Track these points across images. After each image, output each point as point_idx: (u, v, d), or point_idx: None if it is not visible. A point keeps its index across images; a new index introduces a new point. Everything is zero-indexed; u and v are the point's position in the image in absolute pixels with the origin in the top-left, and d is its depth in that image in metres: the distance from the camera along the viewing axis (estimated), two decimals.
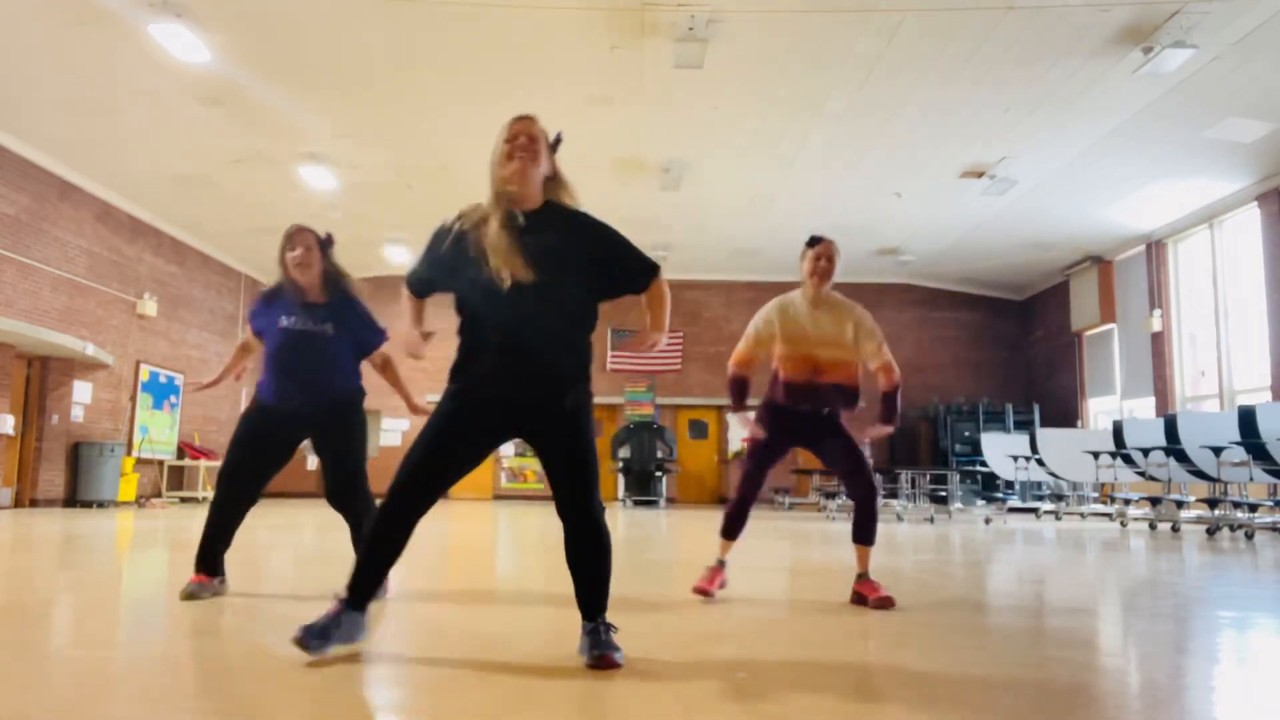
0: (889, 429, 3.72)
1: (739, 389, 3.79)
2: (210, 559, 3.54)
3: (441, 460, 2.47)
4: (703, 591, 3.69)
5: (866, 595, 3.57)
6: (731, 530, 3.82)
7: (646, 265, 2.63)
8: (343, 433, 3.62)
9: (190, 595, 3.41)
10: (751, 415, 3.80)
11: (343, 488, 3.59)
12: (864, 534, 3.70)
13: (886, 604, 3.49)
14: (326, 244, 3.69)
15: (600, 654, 2.34)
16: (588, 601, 2.49)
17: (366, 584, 2.47)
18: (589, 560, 2.50)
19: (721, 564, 3.82)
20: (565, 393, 2.49)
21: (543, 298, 2.44)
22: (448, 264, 2.54)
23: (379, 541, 2.47)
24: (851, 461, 3.70)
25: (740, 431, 3.72)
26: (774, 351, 3.76)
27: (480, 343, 2.50)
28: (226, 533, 3.57)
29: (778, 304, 3.82)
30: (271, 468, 3.60)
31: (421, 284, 2.66)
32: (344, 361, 3.64)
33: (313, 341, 3.54)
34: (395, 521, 2.45)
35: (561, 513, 2.50)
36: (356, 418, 3.67)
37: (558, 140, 2.67)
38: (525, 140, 2.52)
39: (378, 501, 3.67)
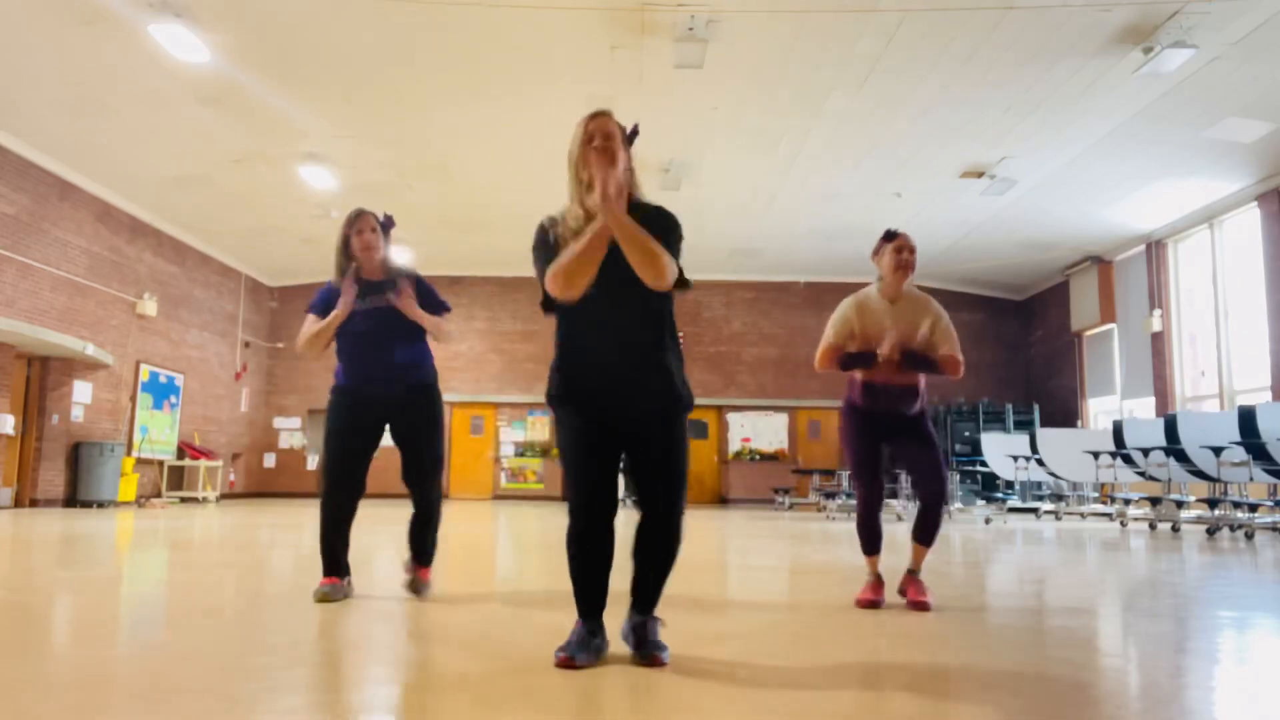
0: (899, 360, 3.54)
1: (847, 360, 3.64)
2: (333, 560, 3.54)
3: (594, 472, 2.46)
4: (868, 602, 3.58)
5: (908, 594, 3.58)
6: (871, 546, 3.72)
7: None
8: (425, 414, 3.64)
9: (323, 598, 3.42)
10: (871, 346, 3.62)
11: (424, 468, 3.61)
12: (925, 535, 3.69)
13: (921, 607, 3.47)
14: (387, 225, 3.71)
15: (651, 653, 2.38)
16: (645, 595, 2.50)
17: (587, 598, 2.46)
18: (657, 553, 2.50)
19: (878, 579, 3.71)
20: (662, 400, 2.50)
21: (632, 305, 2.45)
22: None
23: (578, 560, 2.47)
24: (929, 468, 3.64)
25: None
26: (851, 349, 3.66)
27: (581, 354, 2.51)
28: (341, 529, 3.57)
29: (854, 302, 3.71)
30: (367, 453, 3.60)
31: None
32: (416, 334, 3.64)
33: (385, 316, 3.54)
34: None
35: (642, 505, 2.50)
36: (435, 397, 3.70)
37: (634, 133, 2.60)
38: (602, 140, 2.47)
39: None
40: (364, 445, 3.58)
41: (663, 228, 2.48)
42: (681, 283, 2.49)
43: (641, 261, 2.36)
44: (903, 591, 3.64)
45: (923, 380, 3.70)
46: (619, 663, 2.40)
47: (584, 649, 2.36)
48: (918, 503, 3.72)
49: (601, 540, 2.44)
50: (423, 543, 3.66)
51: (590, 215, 2.42)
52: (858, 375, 3.67)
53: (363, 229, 3.60)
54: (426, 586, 3.65)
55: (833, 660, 2.52)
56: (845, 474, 12.97)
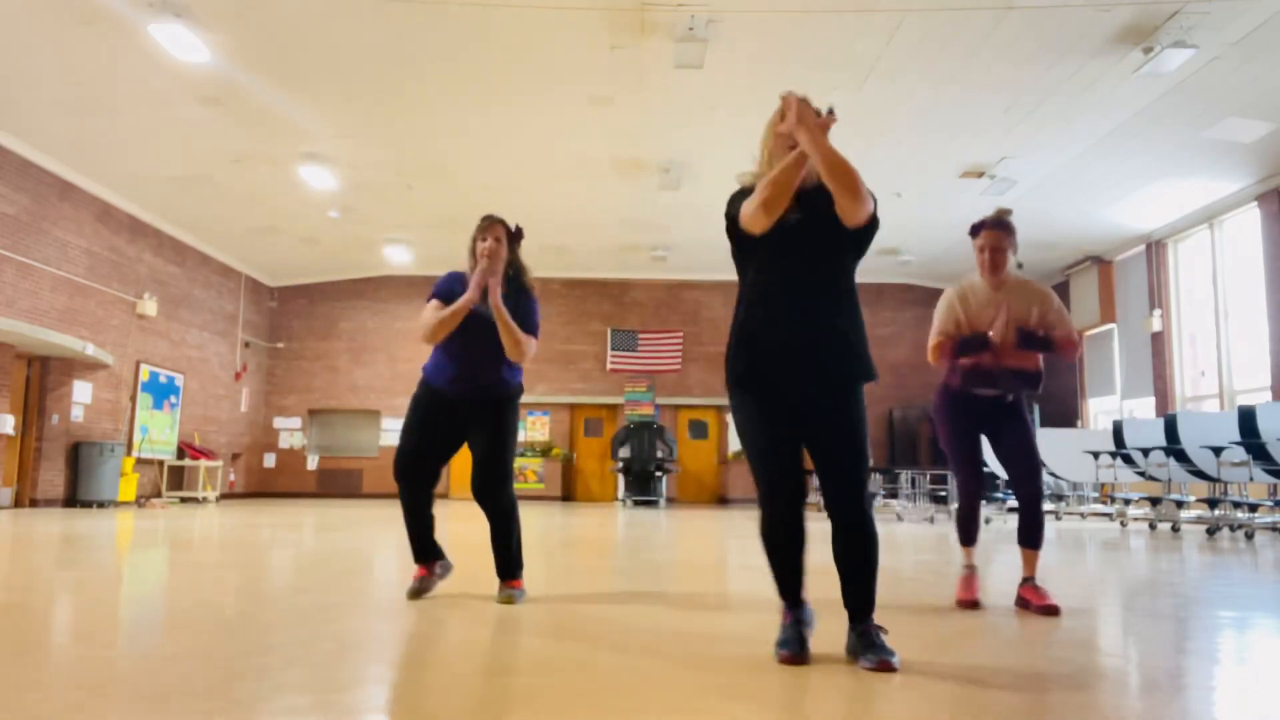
0: (1015, 336, 3.47)
1: (963, 346, 3.57)
2: (422, 549, 3.63)
3: (774, 456, 2.50)
4: (969, 602, 3.52)
5: (1030, 601, 3.44)
6: (968, 536, 3.64)
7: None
8: (500, 426, 3.63)
9: (415, 593, 3.54)
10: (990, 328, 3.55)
11: (491, 482, 3.61)
12: (1030, 537, 3.53)
13: (1050, 611, 3.35)
14: (516, 236, 3.71)
15: (878, 659, 2.35)
16: (856, 603, 2.50)
17: (788, 584, 2.56)
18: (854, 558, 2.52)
19: (972, 568, 3.63)
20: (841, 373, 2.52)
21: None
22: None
23: (774, 549, 2.56)
24: (1026, 460, 3.53)
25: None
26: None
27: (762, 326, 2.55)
28: (422, 519, 3.63)
29: (957, 291, 3.66)
30: (444, 449, 3.64)
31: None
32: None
33: (491, 327, 3.53)
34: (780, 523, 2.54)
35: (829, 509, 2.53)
36: (513, 414, 3.70)
37: (829, 113, 2.57)
38: (803, 107, 2.50)
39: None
40: (436, 442, 3.62)
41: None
42: (874, 220, 2.54)
43: (843, 186, 2.38)
44: (1024, 603, 3.47)
45: (1040, 361, 3.59)
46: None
47: (801, 643, 2.44)
48: (1017, 504, 3.57)
49: (792, 527, 2.51)
50: (506, 553, 3.65)
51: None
52: (964, 360, 3.56)
53: (487, 236, 3.62)
54: (518, 594, 3.60)
55: (832, 660, 2.52)
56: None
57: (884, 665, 2.32)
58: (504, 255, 3.63)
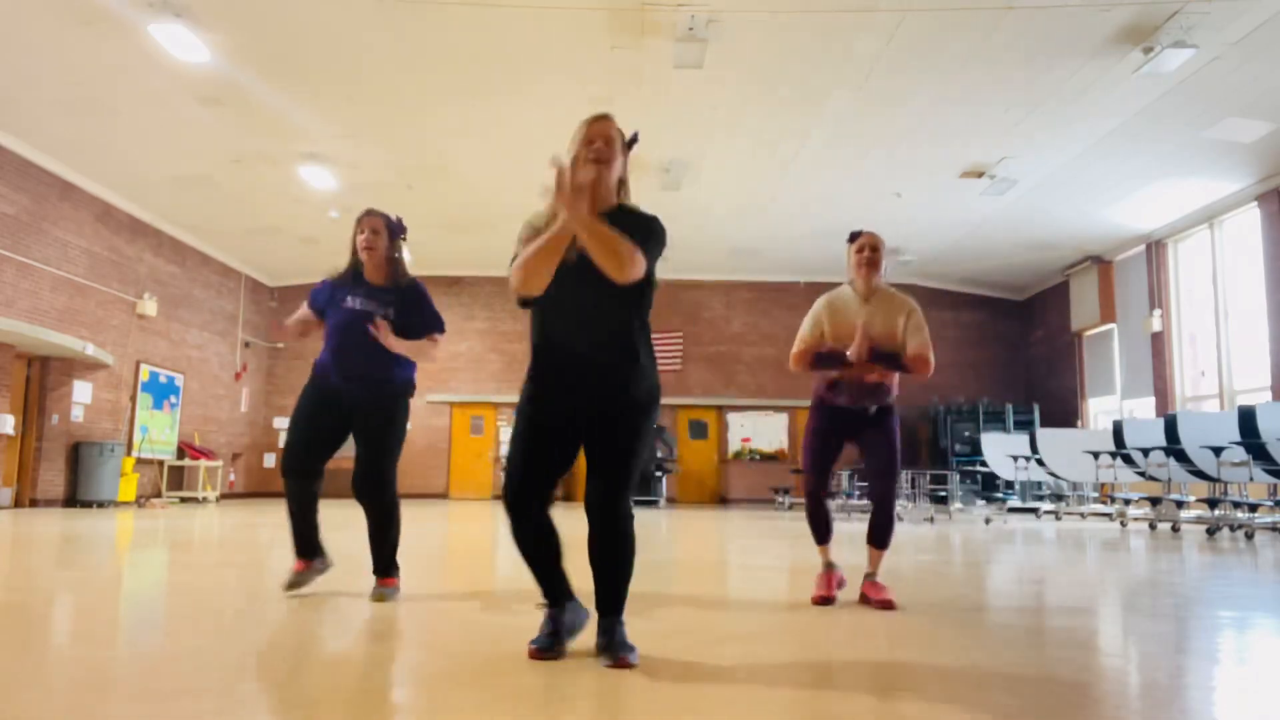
0: (868, 362, 3.54)
1: (819, 360, 3.68)
2: (303, 544, 3.60)
3: (538, 457, 2.51)
4: (823, 599, 3.61)
5: (870, 596, 3.59)
6: (821, 534, 3.75)
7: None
8: (385, 421, 3.62)
9: (292, 584, 3.53)
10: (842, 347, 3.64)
11: (372, 479, 3.59)
12: (877, 537, 3.68)
13: (886, 605, 3.49)
14: (396, 230, 3.72)
15: (617, 654, 2.38)
16: (603, 598, 2.52)
17: (548, 583, 2.54)
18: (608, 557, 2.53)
19: (830, 566, 3.74)
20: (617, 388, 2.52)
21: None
22: None
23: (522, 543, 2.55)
24: (885, 463, 3.65)
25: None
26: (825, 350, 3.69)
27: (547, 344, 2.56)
28: (306, 512, 3.60)
29: (825, 301, 3.77)
30: (330, 442, 3.62)
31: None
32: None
33: (374, 322, 3.54)
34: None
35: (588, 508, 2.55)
36: (401, 410, 3.68)
37: (633, 140, 2.66)
38: (602, 144, 2.52)
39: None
40: (326, 435, 3.59)
41: (641, 229, 2.50)
42: (649, 282, 2.52)
43: (601, 253, 2.34)
44: (865, 598, 3.63)
45: (895, 378, 3.70)
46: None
47: (552, 639, 2.45)
48: (870, 506, 3.73)
49: (537, 530, 2.51)
50: (382, 551, 3.63)
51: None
52: (829, 372, 3.70)
53: (364, 228, 3.63)
54: (391, 593, 3.59)
55: (832, 660, 2.52)
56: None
57: (622, 662, 2.36)
58: (383, 246, 3.64)
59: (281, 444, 17.55)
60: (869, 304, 3.68)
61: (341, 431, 3.63)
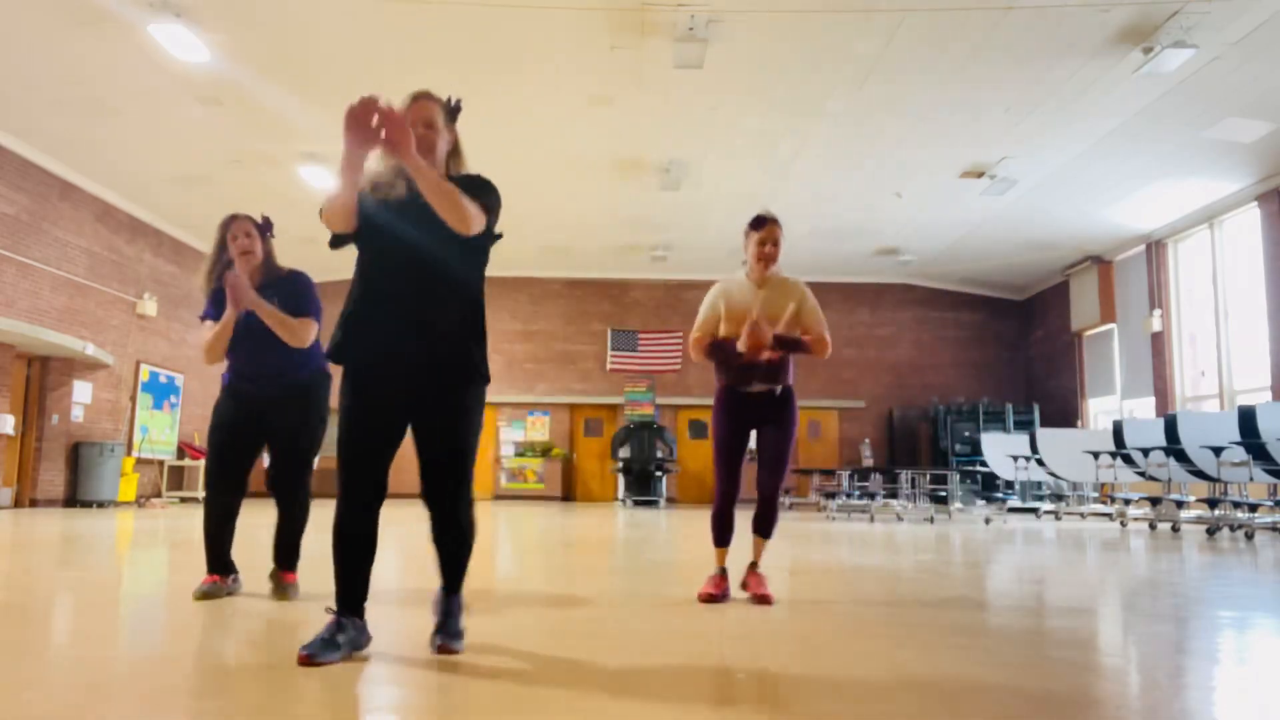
0: (769, 350, 3.58)
1: (717, 350, 3.73)
2: (215, 558, 3.55)
3: (367, 444, 2.47)
4: (710, 596, 3.65)
5: (749, 587, 3.67)
6: (721, 537, 3.77)
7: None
8: (297, 416, 3.60)
9: (203, 595, 3.44)
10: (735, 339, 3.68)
11: (286, 474, 3.58)
12: (762, 526, 3.77)
13: (763, 600, 3.55)
14: (265, 229, 3.71)
15: (443, 641, 2.43)
16: (446, 574, 2.56)
17: (351, 588, 2.47)
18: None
19: (723, 571, 3.78)
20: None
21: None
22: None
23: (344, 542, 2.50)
24: (777, 456, 3.71)
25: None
26: (719, 333, 3.74)
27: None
28: (221, 528, 3.56)
29: (720, 288, 3.83)
30: (248, 453, 3.59)
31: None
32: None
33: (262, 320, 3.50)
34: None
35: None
36: (313, 404, 3.65)
37: (456, 107, 2.61)
38: (423, 129, 2.49)
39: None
40: (242, 443, 3.57)
41: (475, 185, 2.49)
42: (490, 234, 2.50)
43: (440, 203, 2.31)
44: (745, 585, 3.69)
45: (790, 359, 3.75)
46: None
47: (329, 647, 2.34)
48: (757, 495, 3.75)
49: (367, 528, 2.47)
50: (290, 544, 3.62)
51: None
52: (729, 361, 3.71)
53: (237, 234, 3.60)
54: (293, 589, 3.58)
55: (832, 660, 2.52)
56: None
57: (445, 649, 2.39)
58: (257, 250, 3.61)
59: None
60: (763, 289, 3.74)
61: (259, 436, 3.61)
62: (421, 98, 2.50)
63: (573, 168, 11.79)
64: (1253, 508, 9.31)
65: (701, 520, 10.93)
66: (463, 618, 2.56)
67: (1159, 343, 13.61)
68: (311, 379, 3.66)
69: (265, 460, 3.65)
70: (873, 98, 9.59)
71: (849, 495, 12.56)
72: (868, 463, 17.23)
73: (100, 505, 11.84)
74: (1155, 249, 13.78)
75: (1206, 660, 2.63)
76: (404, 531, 7.10)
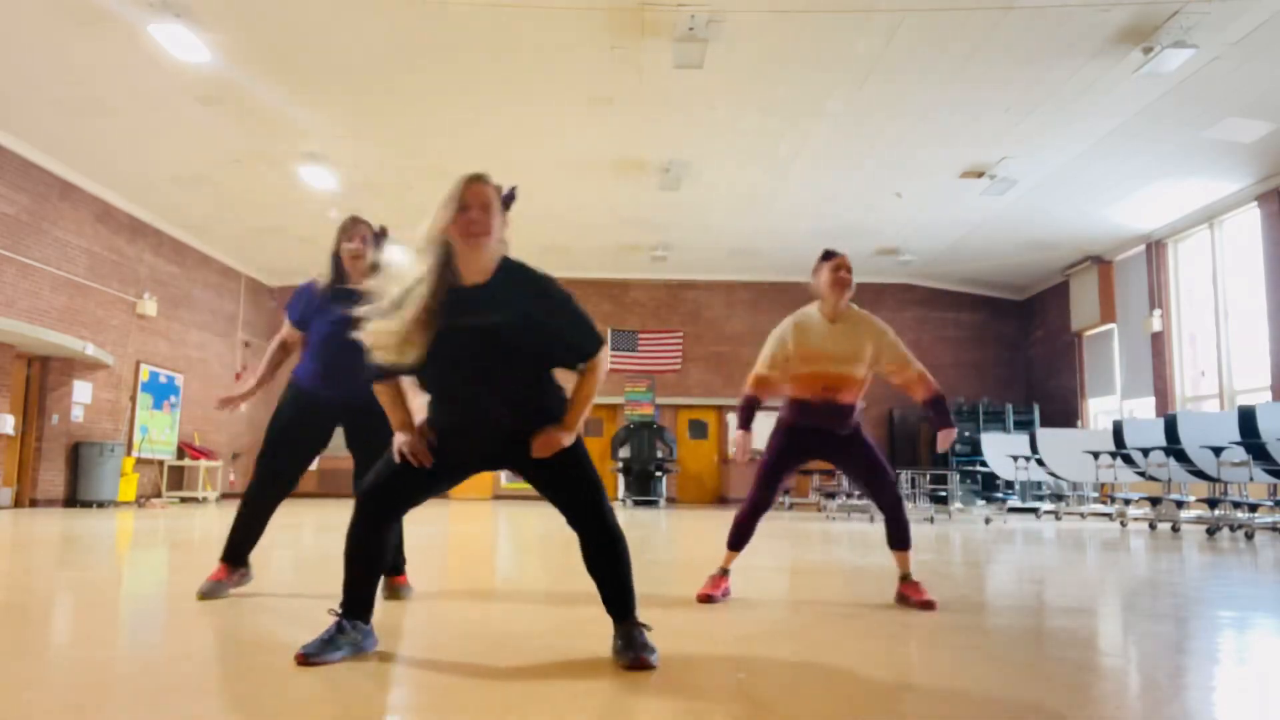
0: (952, 430, 3.64)
1: (748, 410, 3.77)
2: (234, 548, 3.55)
3: (416, 480, 2.49)
4: (707, 597, 3.65)
5: (910, 597, 3.56)
6: (738, 542, 3.77)
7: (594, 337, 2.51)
8: (378, 427, 3.60)
9: (205, 595, 3.44)
10: (744, 438, 3.75)
11: None
12: (900, 540, 3.67)
13: (928, 606, 3.46)
14: (380, 237, 3.71)
15: (635, 655, 2.34)
16: (615, 607, 2.50)
17: (358, 594, 2.47)
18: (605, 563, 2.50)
19: (725, 572, 3.78)
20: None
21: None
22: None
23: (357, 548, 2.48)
24: (874, 473, 3.66)
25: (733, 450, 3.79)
26: (789, 370, 3.70)
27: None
28: (256, 521, 3.57)
29: (793, 322, 3.75)
30: (308, 456, 3.60)
31: None
32: None
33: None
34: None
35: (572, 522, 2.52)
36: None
37: (511, 196, 2.48)
38: (478, 212, 2.34)
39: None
40: (305, 445, 3.58)
41: (559, 312, 2.45)
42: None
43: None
44: (904, 598, 3.60)
45: (859, 396, 3.72)
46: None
47: (329, 647, 2.34)
48: (882, 515, 3.71)
49: (384, 537, 2.48)
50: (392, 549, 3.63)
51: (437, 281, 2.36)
52: (793, 392, 3.69)
53: (353, 236, 3.62)
54: (404, 590, 3.61)
55: (832, 660, 2.52)
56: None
57: (642, 662, 2.32)
58: (367, 255, 3.62)
59: None
60: (836, 326, 3.67)
61: (320, 443, 3.62)
62: (477, 181, 2.37)
63: (573, 167, 11.79)
64: (1253, 508, 9.31)
65: (701, 520, 10.93)
66: (645, 635, 2.45)
67: (1159, 343, 13.61)
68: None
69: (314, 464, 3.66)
70: (873, 98, 9.58)
71: (849, 495, 12.56)
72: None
73: (100, 505, 11.84)
74: (1155, 249, 13.78)
75: (1206, 660, 2.63)
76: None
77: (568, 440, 2.43)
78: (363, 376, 2.56)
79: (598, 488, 2.48)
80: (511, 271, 2.44)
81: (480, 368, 2.38)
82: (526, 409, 2.45)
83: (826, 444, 3.71)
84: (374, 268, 3.64)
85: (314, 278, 3.70)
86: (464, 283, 2.38)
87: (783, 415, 3.78)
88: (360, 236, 3.62)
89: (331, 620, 2.45)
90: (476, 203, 2.34)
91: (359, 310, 2.39)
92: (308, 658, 2.30)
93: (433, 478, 2.49)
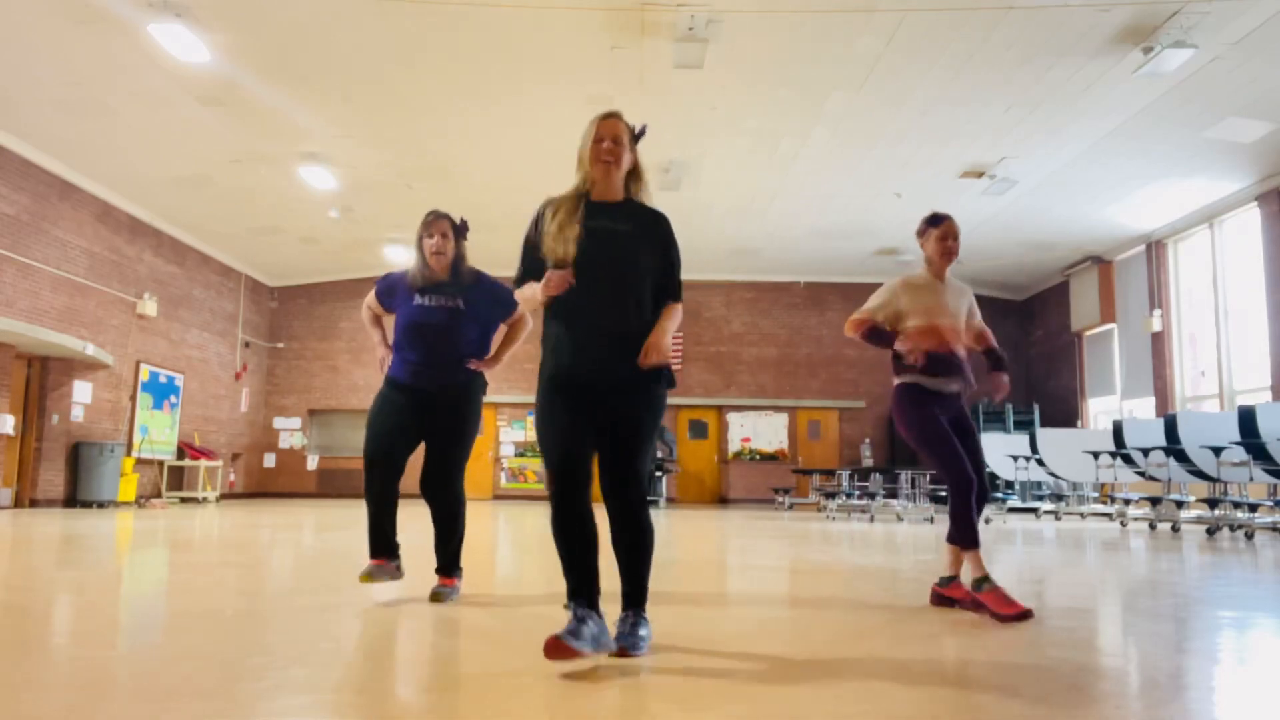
0: (1005, 375, 3.69)
1: (876, 332, 3.66)
2: (382, 542, 3.58)
3: (565, 446, 2.52)
4: (1019, 614, 3.17)
5: (995, 610, 3.23)
6: (972, 536, 3.35)
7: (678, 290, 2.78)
8: (456, 419, 3.63)
9: (369, 576, 3.50)
10: (906, 339, 3.59)
11: (440, 476, 3.60)
12: (974, 536, 3.38)
13: (1025, 615, 3.17)
14: (461, 230, 3.76)
15: (620, 644, 2.43)
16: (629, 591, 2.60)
17: (578, 578, 2.50)
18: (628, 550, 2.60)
19: (988, 579, 3.32)
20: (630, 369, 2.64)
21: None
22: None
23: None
24: (975, 444, 3.55)
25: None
26: (903, 328, 3.63)
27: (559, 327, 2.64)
28: (384, 510, 3.59)
29: (902, 281, 3.77)
30: (410, 443, 3.61)
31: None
32: (473, 339, 3.67)
33: (446, 316, 3.60)
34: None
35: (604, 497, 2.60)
36: (471, 408, 3.69)
37: (641, 132, 2.78)
38: (610, 143, 2.66)
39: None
40: (403, 431, 3.59)
41: (661, 241, 2.73)
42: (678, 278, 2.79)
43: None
44: (978, 605, 3.32)
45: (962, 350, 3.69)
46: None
47: (575, 635, 2.31)
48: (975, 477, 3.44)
49: (580, 517, 2.51)
50: (446, 550, 3.65)
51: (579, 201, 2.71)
52: (921, 345, 3.53)
53: (434, 232, 3.67)
54: (452, 593, 3.60)
55: (832, 660, 2.52)
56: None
57: (623, 652, 2.41)
58: (451, 250, 3.68)
59: (282, 444, 17.61)
60: (942, 284, 3.77)
61: (418, 430, 3.63)
62: (611, 116, 2.70)
63: (573, 168, 11.75)
64: (1253, 508, 9.30)
65: (702, 520, 10.92)
66: (643, 629, 2.53)
67: (1159, 343, 13.61)
68: (472, 381, 3.69)
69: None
70: (873, 98, 9.58)
71: (849, 495, 12.56)
72: (868, 463, 17.23)
73: (100, 505, 11.84)
74: (1155, 249, 13.78)
75: (1206, 660, 2.63)
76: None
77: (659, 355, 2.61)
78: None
79: (646, 456, 2.63)
80: (639, 201, 2.77)
81: (611, 270, 2.59)
82: (632, 324, 2.61)
83: (948, 407, 3.62)
84: (458, 261, 3.70)
85: (404, 269, 3.78)
86: (601, 199, 2.70)
87: (907, 381, 3.61)
88: (441, 232, 3.67)
89: (569, 616, 2.45)
90: (609, 135, 2.67)
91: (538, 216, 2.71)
92: (559, 643, 2.26)
93: (580, 432, 2.54)
